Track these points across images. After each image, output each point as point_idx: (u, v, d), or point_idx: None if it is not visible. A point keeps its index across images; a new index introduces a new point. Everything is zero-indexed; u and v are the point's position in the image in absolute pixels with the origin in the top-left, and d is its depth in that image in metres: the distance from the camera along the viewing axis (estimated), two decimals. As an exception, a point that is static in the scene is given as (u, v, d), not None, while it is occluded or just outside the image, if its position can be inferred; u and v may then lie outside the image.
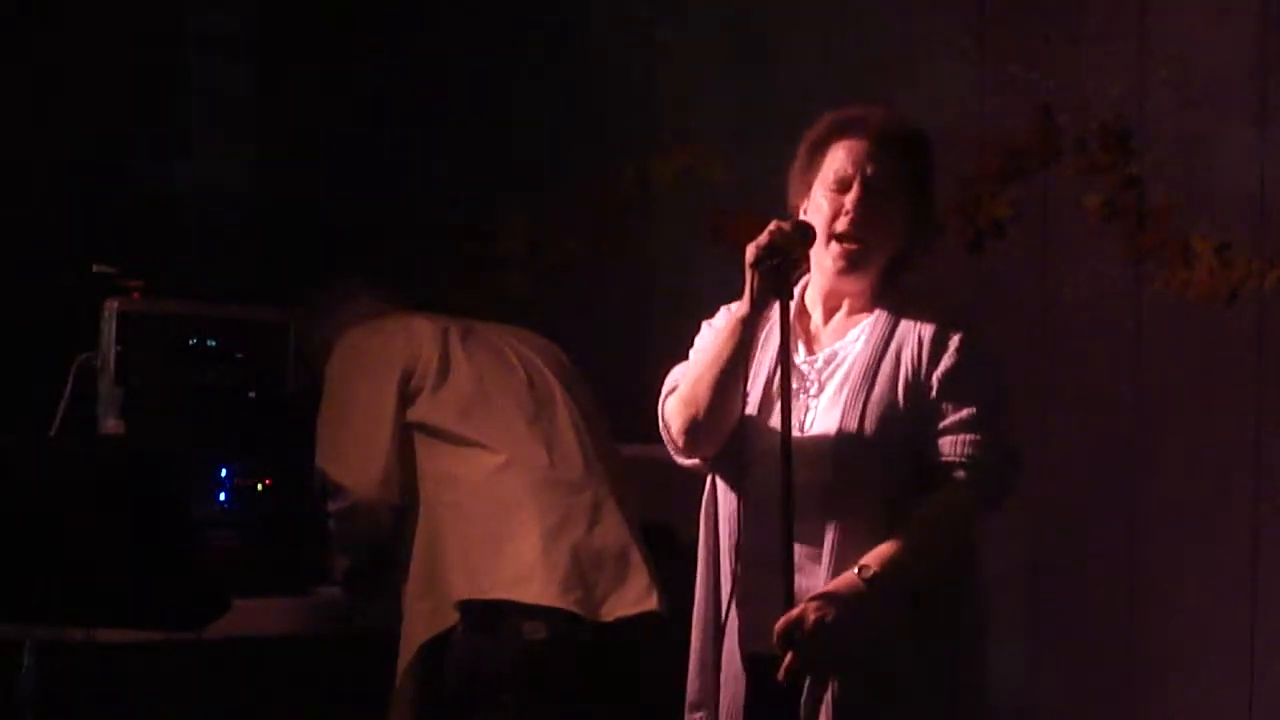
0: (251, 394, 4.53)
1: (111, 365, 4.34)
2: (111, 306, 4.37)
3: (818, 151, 3.25)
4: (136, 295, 4.41)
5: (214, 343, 4.48)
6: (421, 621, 4.10)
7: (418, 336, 4.24)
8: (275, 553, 4.47)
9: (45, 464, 3.59)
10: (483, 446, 4.13)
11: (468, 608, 4.04)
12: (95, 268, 4.41)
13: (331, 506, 4.22)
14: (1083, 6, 4.43)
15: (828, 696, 3.09)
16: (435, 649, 4.09)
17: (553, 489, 4.10)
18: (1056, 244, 4.44)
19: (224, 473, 4.48)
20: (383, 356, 4.21)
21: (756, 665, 3.14)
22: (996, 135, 4.50)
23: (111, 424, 4.31)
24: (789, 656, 3.03)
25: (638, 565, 4.03)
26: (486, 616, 4.03)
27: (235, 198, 5.36)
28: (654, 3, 5.18)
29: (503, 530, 4.07)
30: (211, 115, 5.38)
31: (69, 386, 4.32)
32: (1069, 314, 4.41)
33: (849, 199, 3.20)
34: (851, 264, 3.21)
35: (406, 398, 4.16)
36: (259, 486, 4.51)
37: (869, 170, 3.20)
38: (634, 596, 3.99)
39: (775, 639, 3.05)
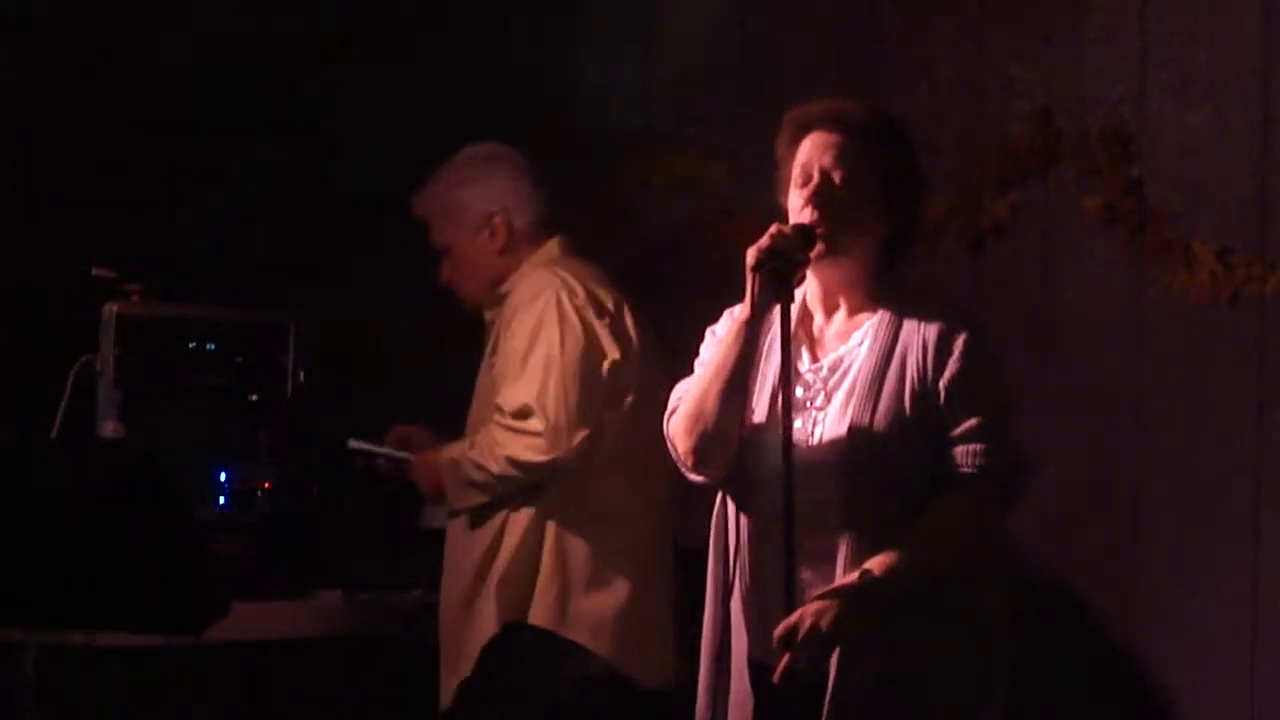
0: (251, 397, 4.53)
1: (111, 368, 4.35)
2: (111, 310, 4.38)
3: (789, 151, 3.27)
4: (136, 298, 4.41)
5: (213, 346, 4.49)
6: (506, 607, 4.08)
7: (627, 339, 4.13)
8: (275, 556, 4.48)
9: (45, 467, 3.58)
10: (624, 487, 4.10)
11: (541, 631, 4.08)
12: (95, 271, 4.41)
13: (523, 444, 4.03)
14: (1083, 9, 4.42)
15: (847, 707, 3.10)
16: (498, 649, 4.09)
17: (652, 551, 4.14)
18: (1057, 247, 4.44)
19: (223, 476, 4.49)
20: (603, 335, 4.09)
21: (766, 679, 3.12)
22: (997, 138, 4.50)
23: (111, 427, 4.32)
24: (785, 658, 3.03)
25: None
26: (560, 642, 4.06)
27: (237, 197, 5.36)
28: (654, 3, 5.19)
29: (600, 576, 4.07)
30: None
31: (68, 389, 4.33)
32: (1070, 317, 4.41)
33: (807, 190, 3.21)
34: (822, 251, 3.19)
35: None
36: (258, 490, 4.51)
37: (825, 160, 3.21)
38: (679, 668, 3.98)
39: (775, 643, 3.05)
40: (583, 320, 4.08)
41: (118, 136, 5.10)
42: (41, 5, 5.07)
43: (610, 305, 4.15)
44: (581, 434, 4.01)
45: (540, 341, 4.06)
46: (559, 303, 4.09)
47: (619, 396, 4.03)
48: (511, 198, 4.28)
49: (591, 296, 4.13)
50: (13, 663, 3.83)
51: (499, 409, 4.08)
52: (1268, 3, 4.19)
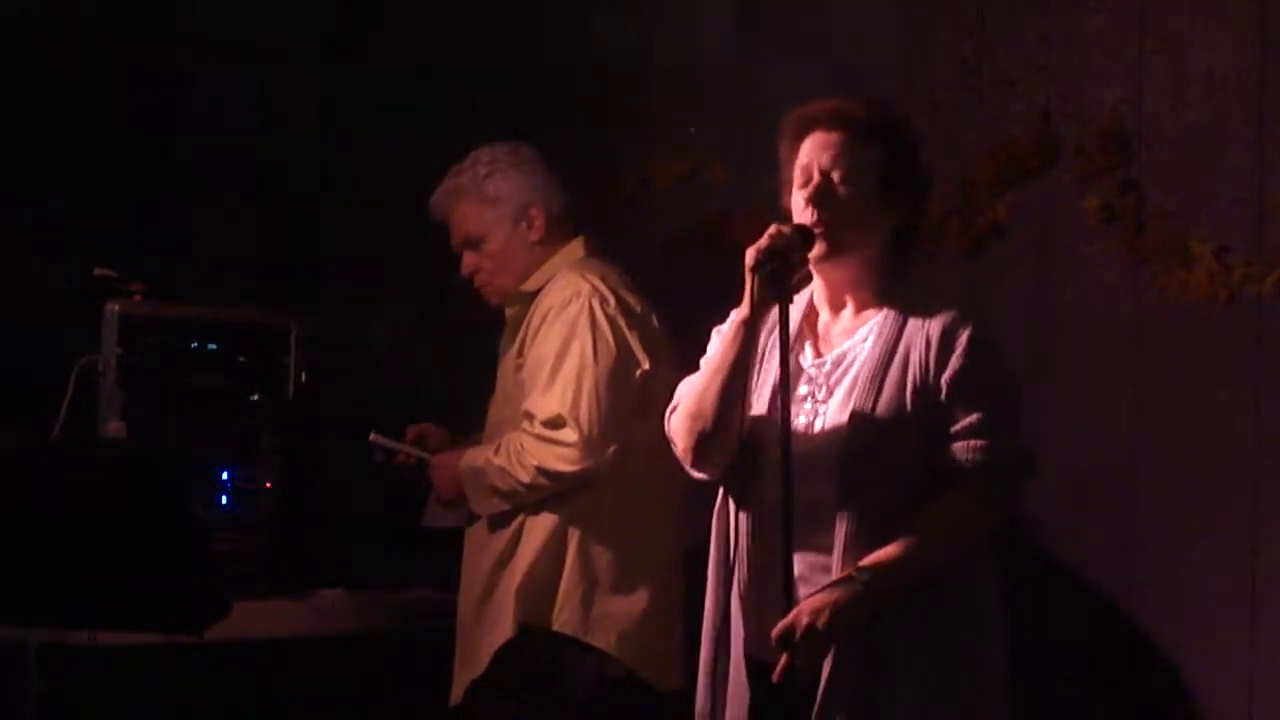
0: (253, 397, 4.54)
1: (113, 368, 4.36)
2: (113, 309, 4.39)
3: (790, 152, 3.29)
4: (138, 298, 4.42)
5: (215, 346, 4.50)
6: (525, 612, 4.08)
7: (655, 348, 4.12)
8: (276, 555, 4.49)
9: (47, 466, 3.60)
10: (648, 496, 4.09)
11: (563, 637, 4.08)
12: (97, 271, 4.42)
13: (555, 455, 4.02)
14: (1082, 10, 4.43)
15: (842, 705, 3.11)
16: (514, 651, 4.10)
17: (668, 555, 4.14)
18: (1056, 247, 4.44)
19: (225, 475, 4.50)
20: (635, 345, 4.10)
21: (763, 674, 3.15)
22: (995, 138, 4.51)
23: (113, 426, 4.33)
24: (784, 657, 3.05)
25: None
26: (581, 646, 4.08)
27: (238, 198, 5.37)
28: (654, 2, 5.19)
29: (623, 582, 4.08)
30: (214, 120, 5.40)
31: (70, 389, 4.34)
32: (1068, 317, 4.42)
33: (806, 191, 3.22)
34: (824, 251, 3.21)
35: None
36: (260, 489, 4.52)
37: (824, 160, 3.23)
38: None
39: (773, 642, 3.07)
40: (615, 329, 4.09)
41: (119, 136, 5.11)
42: (43, 7, 5.08)
43: (639, 312, 4.16)
44: (614, 445, 4.02)
45: (573, 350, 4.06)
46: (592, 311, 4.09)
47: (648, 405, 3.99)
48: (545, 188, 4.28)
49: (622, 304, 4.14)
50: (15, 661, 3.84)
51: (529, 416, 4.07)
52: (1264, 3, 4.19)
